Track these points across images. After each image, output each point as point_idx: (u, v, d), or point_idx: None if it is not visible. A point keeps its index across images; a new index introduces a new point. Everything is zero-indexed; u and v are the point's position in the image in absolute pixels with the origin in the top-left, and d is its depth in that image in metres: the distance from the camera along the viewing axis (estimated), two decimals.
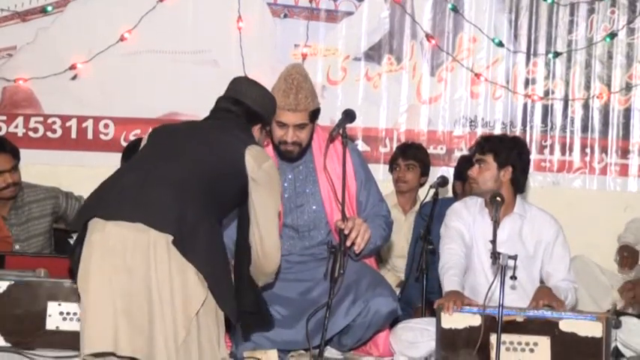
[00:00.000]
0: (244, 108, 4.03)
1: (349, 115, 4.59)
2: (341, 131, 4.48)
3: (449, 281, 4.62)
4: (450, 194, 6.10)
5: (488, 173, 4.78)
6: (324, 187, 4.67)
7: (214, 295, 3.69)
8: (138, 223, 3.62)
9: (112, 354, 3.63)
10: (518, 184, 4.85)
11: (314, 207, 4.70)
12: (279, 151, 4.58)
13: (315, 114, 4.58)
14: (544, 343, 4.28)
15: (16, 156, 5.51)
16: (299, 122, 4.51)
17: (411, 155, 6.23)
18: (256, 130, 4.07)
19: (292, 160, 4.64)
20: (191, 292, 3.62)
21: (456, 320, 4.35)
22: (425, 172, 6.29)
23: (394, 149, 6.53)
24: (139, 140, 5.82)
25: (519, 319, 4.30)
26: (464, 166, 5.90)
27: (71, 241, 5.81)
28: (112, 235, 3.63)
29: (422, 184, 6.33)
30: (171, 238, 3.60)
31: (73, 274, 3.81)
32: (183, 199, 3.67)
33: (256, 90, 4.11)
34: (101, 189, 3.81)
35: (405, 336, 4.67)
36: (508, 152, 4.79)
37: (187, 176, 3.74)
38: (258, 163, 3.87)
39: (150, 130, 4.12)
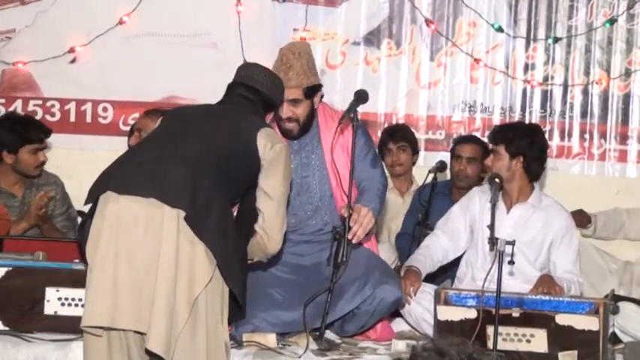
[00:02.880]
0: (262, 97, 4.08)
1: (361, 97, 4.54)
2: (352, 115, 4.45)
3: (414, 258, 4.85)
4: (448, 178, 6.09)
5: (501, 163, 4.84)
6: (329, 160, 4.67)
7: (223, 273, 3.71)
8: (151, 199, 3.64)
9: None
10: (532, 173, 4.88)
11: (319, 179, 4.71)
12: (282, 131, 4.59)
13: (311, 90, 4.58)
14: (540, 335, 4.28)
15: (48, 136, 5.69)
16: (292, 98, 4.53)
17: (401, 137, 6.23)
18: (269, 117, 4.15)
19: (294, 139, 4.63)
20: (198, 269, 3.64)
21: (452, 312, 4.36)
22: (415, 151, 6.30)
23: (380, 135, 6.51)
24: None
25: (515, 313, 4.31)
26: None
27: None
28: (125, 209, 3.65)
29: (414, 163, 6.34)
30: (183, 214, 3.62)
31: (81, 247, 3.83)
32: (196, 177, 3.70)
33: (269, 77, 4.17)
34: (115, 165, 3.84)
35: (412, 311, 4.72)
36: (519, 142, 4.84)
37: (201, 155, 3.77)
38: (271, 145, 3.90)
39: (166, 111, 4.19)
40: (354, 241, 4.43)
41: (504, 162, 4.83)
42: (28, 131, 5.54)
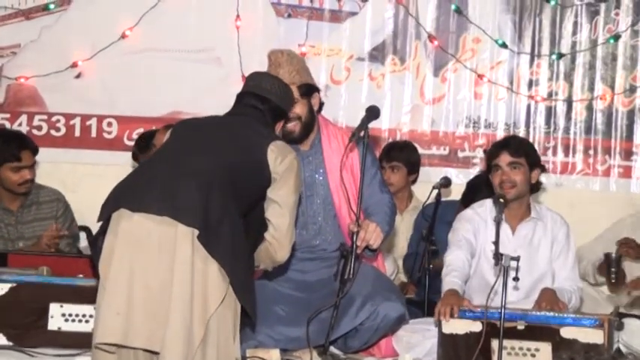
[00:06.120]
0: (271, 106, 4.06)
1: (373, 113, 4.49)
2: (362, 133, 4.41)
3: (449, 282, 4.61)
4: (452, 196, 6.07)
5: (524, 177, 4.78)
6: (332, 179, 4.67)
7: (235, 290, 3.69)
8: (164, 217, 3.62)
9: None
10: (538, 185, 4.88)
11: (322, 198, 4.71)
12: (283, 133, 4.58)
13: (307, 89, 4.58)
14: (545, 349, 4.28)
15: (35, 154, 5.56)
16: None
17: (394, 156, 6.21)
18: (279, 126, 4.13)
19: (296, 141, 4.60)
20: (212, 287, 3.62)
21: (456, 326, 4.35)
22: (413, 170, 6.26)
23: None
24: (153, 132, 5.85)
25: (520, 326, 4.31)
26: (471, 191, 5.66)
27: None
28: (138, 227, 3.64)
29: (413, 182, 6.31)
30: (196, 232, 3.61)
31: (93, 264, 3.81)
32: (208, 193, 3.68)
33: (278, 85, 4.15)
34: (127, 181, 3.82)
35: (406, 337, 4.68)
36: (535, 153, 4.84)
37: (213, 170, 3.75)
38: (281, 158, 3.89)
39: (175, 124, 4.17)
40: (360, 247, 4.40)
41: (526, 175, 4.78)
42: (3, 149, 5.43)
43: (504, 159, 4.80)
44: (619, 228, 6.08)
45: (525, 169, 4.78)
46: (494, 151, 4.88)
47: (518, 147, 4.82)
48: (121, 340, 3.61)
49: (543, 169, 4.94)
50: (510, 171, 4.77)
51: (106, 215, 3.75)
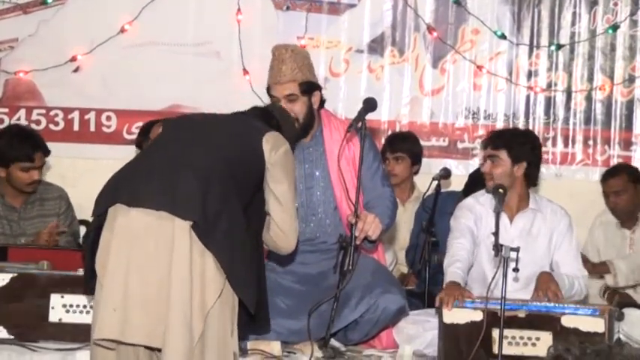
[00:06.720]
0: (270, 117, 4.13)
1: (370, 104, 4.49)
2: (360, 125, 4.41)
3: (452, 273, 4.61)
4: (452, 187, 6.07)
5: (502, 169, 4.78)
6: (333, 171, 4.67)
7: (232, 283, 3.68)
8: (162, 212, 3.60)
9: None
10: (532, 179, 4.87)
11: (323, 190, 4.71)
12: None
13: (308, 87, 4.59)
14: (546, 338, 4.28)
15: (46, 155, 5.54)
16: (287, 93, 4.53)
17: (398, 147, 6.20)
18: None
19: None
20: (209, 281, 3.61)
21: (457, 315, 4.35)
22: (416, 161, 6.26)
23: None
24: (154, 122, 5.84)
25: (521, 314, 4.31)
26: (473, 183, 5.72)
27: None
28: (135, 222, 3.61)
29: (415, 173, 6.31)
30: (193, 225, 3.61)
31: (85, 258, 3.79)
32: (207, 188, 3.67)
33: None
34: (122, 174, 3.79)
35: (407, 329, 4.68)
36: (521, 147, 4.80)
37: (210, 163, 3.74)
38: (276, 148, 3.91)
39: (167, 119, 4.19)
40: (357, 242, 4.41)
41: (506, 168, 4.78)
42: (18, 148, 5.42)
43: (486, 151, 4.86)
44: (594, 236, 6.12)
45: (506, 162, 4.79)
46: (483, 142, 4.97)
47: (496, 140, 4.85)
48: (118, 336, 3.59)
49: (535, 164, 4.90)
50: (490, 163, 4.81)
51: (101, 209, 3.72)
